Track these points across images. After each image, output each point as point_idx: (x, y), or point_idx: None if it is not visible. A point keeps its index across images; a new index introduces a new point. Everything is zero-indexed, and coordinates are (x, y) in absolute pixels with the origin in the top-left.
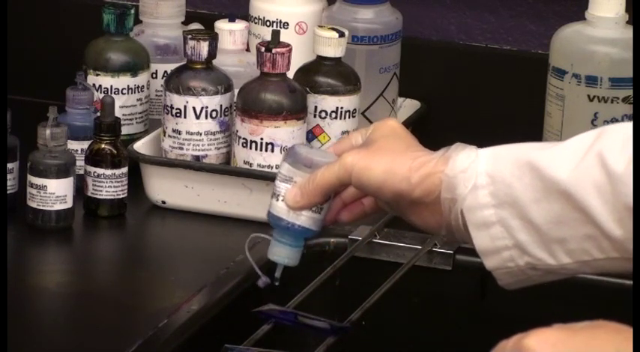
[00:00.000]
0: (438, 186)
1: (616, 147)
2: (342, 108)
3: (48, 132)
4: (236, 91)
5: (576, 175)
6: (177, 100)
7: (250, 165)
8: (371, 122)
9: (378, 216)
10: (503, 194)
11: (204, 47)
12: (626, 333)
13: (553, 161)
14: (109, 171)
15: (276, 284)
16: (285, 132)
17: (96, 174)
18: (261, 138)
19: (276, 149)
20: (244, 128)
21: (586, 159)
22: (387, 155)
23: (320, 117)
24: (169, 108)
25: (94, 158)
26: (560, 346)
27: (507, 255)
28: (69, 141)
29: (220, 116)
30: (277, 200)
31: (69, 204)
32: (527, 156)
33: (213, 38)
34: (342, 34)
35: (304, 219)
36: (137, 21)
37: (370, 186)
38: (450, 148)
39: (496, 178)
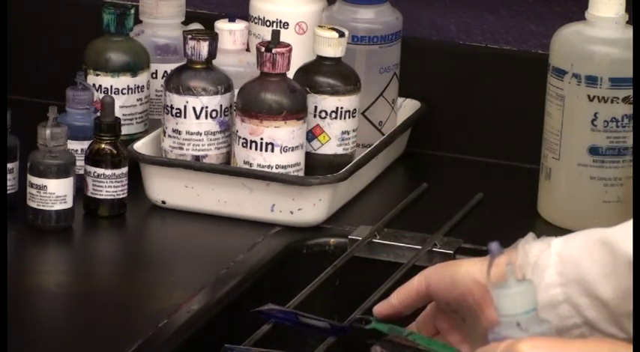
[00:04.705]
0: None
1: None
2: (342, 108)
3: (48, 132)
4: (236, 91)
5: None
6: (177, 100)
7: (250, 165)
8: (371, 122)
9: (378, 215)
10: (571, 271)
11: (204, 47)
12: (620, 347)
13: (625, 235)
14: (109, 171)
15: None
16: (285, 132)
17: (96, 174)
18: (261, 138)
19: (276, 149)
20: (244, 128)
21: None
22: None
23: (320, 117)
24: (169, 108)
25: (94, 158)
26: None
27: (577, 333)
28: (69, 141)
29: (220, 116)
30: None
31: (69, 204)
32: (597, 233)
33: (213, 38)
34: (342, 34)
35: None
36: (137, 21)
37: None
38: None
39: (564, 257)
